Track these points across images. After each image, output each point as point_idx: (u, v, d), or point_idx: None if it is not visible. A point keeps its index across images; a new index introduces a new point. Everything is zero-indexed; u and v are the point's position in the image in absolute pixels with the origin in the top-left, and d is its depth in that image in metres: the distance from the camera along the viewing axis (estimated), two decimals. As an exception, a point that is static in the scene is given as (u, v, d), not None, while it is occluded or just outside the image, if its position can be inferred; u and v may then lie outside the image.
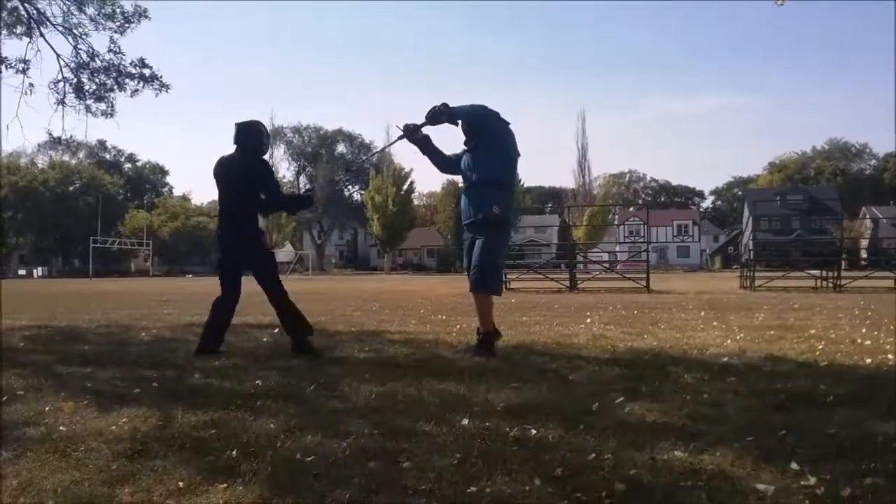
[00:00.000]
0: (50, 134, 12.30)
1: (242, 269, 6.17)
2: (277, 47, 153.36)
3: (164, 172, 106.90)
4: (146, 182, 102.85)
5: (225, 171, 5.99)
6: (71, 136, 12.55)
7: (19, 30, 11.56)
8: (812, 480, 2.44)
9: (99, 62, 11.91)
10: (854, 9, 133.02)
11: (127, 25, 11.87)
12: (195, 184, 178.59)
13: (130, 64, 11.98)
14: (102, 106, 12.07)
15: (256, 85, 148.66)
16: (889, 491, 2.36)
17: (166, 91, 12.27)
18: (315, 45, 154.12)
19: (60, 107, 11.88)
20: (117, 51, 11.95)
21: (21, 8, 11.53)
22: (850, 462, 2.63)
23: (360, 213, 79.09)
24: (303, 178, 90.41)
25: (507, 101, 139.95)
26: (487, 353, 5.53)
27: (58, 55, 11.82)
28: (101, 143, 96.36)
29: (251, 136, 6.02)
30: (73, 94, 11.97)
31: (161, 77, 12.20)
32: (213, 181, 6.04)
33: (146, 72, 12.10)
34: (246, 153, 5.98)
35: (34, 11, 11.55)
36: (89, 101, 12.02)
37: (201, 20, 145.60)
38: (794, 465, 2.60)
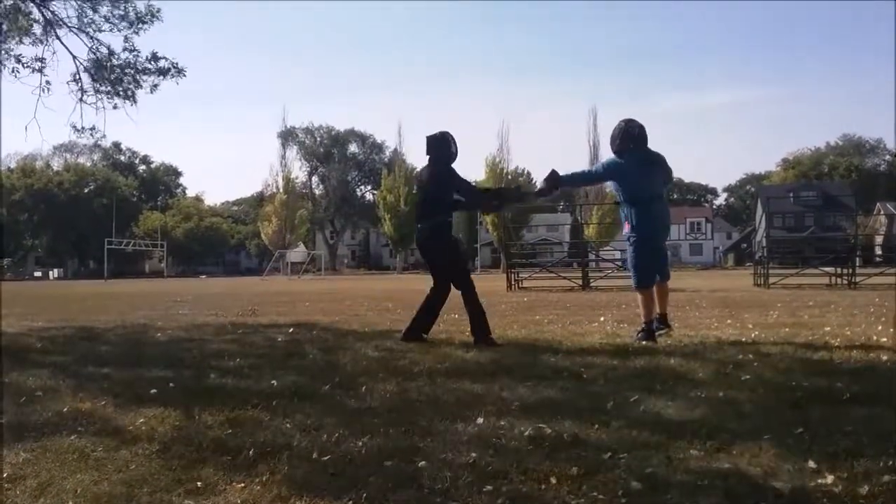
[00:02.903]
0: (74, 126, 12.28)
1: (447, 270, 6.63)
2: (289, 47, 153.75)
3: (177, 174, 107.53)
4: (160, 183, 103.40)
5: (417, 180, 6.71)
6: (94, 127, 12.48)
7: (33, 32, 11.62)
8: (829, 479, 2.43)
9: (115, 60, 11.97)
10: (868, 2, 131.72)
11: (141, 26, 11.93)
12: (208, 185, 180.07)
13: (145, 59, 12.03)
14: (119, 101, 12.09)
15: (268, 85, 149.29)
16: (907, 489, 2.35)
17: (183, 75, 12.27)
18: (326, 45, 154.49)
19: (79, 104, 11.94)
20: (132, 48, 12.00)
21: (36, 11, 11.61)
22: (868, 460, 2.62)
23: (371, 213, 79.16)
24: (315, 178, 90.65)
25: (520, 97, 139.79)
26: (649, 338, 6.17)
27: (74, 56, 11.89)
28: (116, 146, 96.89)
29: (438, 147, 6.48)
30: (91, 92, 12.01)
31: (176, 63, 12.23)
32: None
33: (161, 64, 12.13)
34: (435, 164, 6.46)
35: (50, 14, 11.63)
36: (106, 95, 12.04)
37: (213, 19, 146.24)
38: (811, 464, 2.59)
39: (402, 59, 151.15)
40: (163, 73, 12.13)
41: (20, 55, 11.61)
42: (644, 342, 6.06)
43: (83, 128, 12.15)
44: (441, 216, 6.51)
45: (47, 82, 11.65)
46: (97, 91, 12.05)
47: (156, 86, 12.22)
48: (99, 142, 12.99)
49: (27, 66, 11.57)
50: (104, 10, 11.81)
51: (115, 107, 12.12)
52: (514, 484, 2.49)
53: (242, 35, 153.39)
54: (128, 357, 5.94)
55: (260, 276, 55.49)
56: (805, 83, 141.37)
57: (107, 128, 12.77)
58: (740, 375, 4.38)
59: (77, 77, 11.98)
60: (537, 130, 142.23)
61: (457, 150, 6.56)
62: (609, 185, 6.94)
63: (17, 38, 11.62)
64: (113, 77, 11.97)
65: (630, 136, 6.44)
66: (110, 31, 11.92)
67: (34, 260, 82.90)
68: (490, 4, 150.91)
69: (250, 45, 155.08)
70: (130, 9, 11.84)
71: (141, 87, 12.16)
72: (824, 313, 9.01)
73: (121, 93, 12.05)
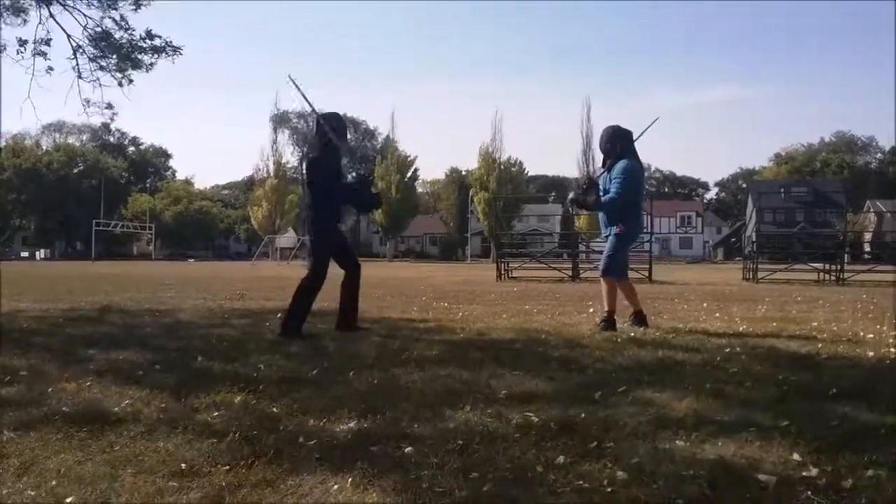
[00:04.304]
0: (87, 101, 12.07)
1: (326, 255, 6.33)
2: (282, 31, 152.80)
3: (167, 156, 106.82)
4: (149, 165, 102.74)
5: (305, 163, 6.26)
6: (109, 104, 12.32)
7: (28, 7, 11.45)
8: (814, 471, 2.44)
9: (113, 41, 11.81)
10: (865, 1, 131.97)
11: (141, 1, 11.76)
12: (198, 168, 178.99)
13: (140, 38, 11.86)
14: (120, 77, 11.94)
15: (261, 69, 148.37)
16: (891, 483, 2.36)
17: (179, 54, 12.07)
18: (320, 31, 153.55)
19: (77, 82, 11.77)
20: (127, 26, 11.83)
21: None
22: (853, 454, 2.63)
23: (362, 200, 78.78)
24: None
25: (513, 88, 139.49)
26: (608, 328, 6.29)
27: (68, 35, 11.73)
28: (105, 126, 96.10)
29: (317, 129, 6.20)
30: (88, 70, 11.84)
31: (171, 42, 12.06)
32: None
33: (157, 42, 11.96)
34: (325, 145, 6.11)
35: None
36: (111, 71, 11.89)
37: (206, 3, 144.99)
38: (795, 456, 2.60)
39: (396, 48, 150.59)
40: (158, 51, 11.98)
41: (23, 38, 11.44)
42: (606, 332, 6.17)
43: (99, 103, 12.00)
44: (330, 200, 6.13)
45: (50, 67, 11.50)
46: (101, 67, 11.88)
47: (152, 65, 12.07)
48: (112, 118, 12.82)
49: (30, 49, 11.40)
50: None
51: (119, 84, 11.97)
52: (500, 471, 2.49)
53: (236, 18, 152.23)
54: (114, 339, 5.91)
55: (249, 261, 55.29)
56: (800, 80, 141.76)
57: (105, 102, 12.52)
58: (727, 368, 4.40)
59: (76, 54, 11.83)
60: (529, 122, 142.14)
61: (344, 132, 6.32)
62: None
63: (14, 15, 11.45)
64: (115, 54, 11.82)
65: (624, 134, 6.53)
66: (108, 9, 11.75)
67: (21, 240, 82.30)
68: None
69: (244, 28, 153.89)
70: None
71: (140, 66, 11.99)
72: (812, 309, 9.06)
73: (122, 68, 11.90)
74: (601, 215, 6.69)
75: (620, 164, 6.39)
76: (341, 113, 6.63)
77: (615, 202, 6.40)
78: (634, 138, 6.59)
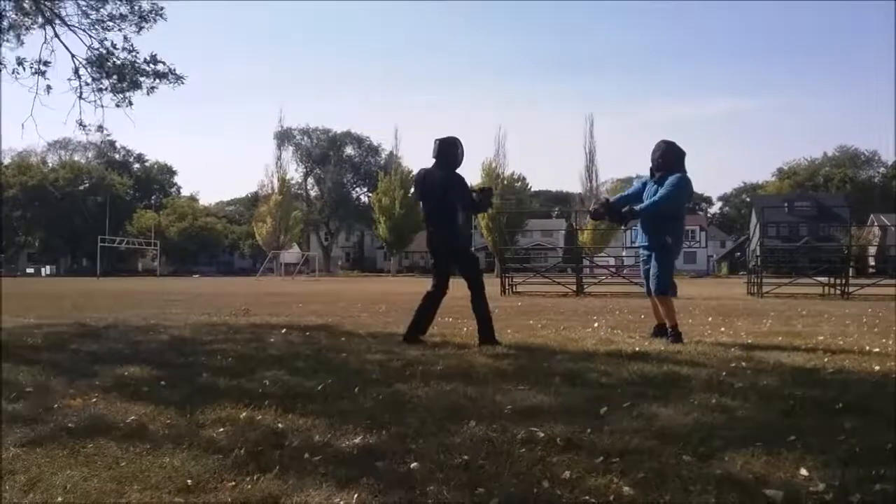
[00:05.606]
0: (79, 123, 12.14)
1: (450, 269, 6.78)
2: (286, 48, 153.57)
3: (172, 173, 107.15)
4: (154, 182, 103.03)
5: (423, 182, 6.66)
6: (101, 126, 12.39)
7: (34, 22, 11.54)
8: (821, 486, 2.43)
9: (114, 61, 11.89)
10: (865, 13, 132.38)
11: (143, 24, 11.87)
12: (203, 184, 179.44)
13: (143, 61, 11.96)
14: (119, 99, 12.03)
15: (266, 85, 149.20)
16: (899, 498, 2.35)
17: (181, 83, 12.19)
18: (323, 47, 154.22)
19: (79, 102, 11.85)
20: (131, 49, 11.93)
21: (35, 7, 11.54)
22: (860, 469, 2.62)
23: (367, 216, 79.09)
24: (310, 180, 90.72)
25: (516, 104, 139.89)
26: (677, 341, 6.43)
27: (73, 55, 11.83)
28: (111, 143, 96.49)
29: (448, 151, 6.56)
30: (90, 90, 11.92)
31: (174, 69, 12.17)
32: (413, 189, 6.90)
33: (160, 67, 12.06)
34: (444, 168, 6.55)
35: (49, 11, 11.56)
36: (111, 92, 11.98)
37: (211, 18, 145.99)
38: (802, 471, 2.59)
39: (399, 63, 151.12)
40: (160, 76, 12.07)
41: (22, 58, 11.51)
42: (676, 345, 6.30)
43: (90, 125, 12.09)
44: (453, 220, 6.59)
45: (48, 86, 11.58)
46: (98, 89, 11.97)
47: (153, 88, 12.16)
48: (106, 139, 13.03)
49: (30, 68, 11.46)
50: (107, 8, 11.75)
51: (117, 105, 12.07)
52: (506, 487, 2.48)
53: (240, 35, 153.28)
54: (119, 355, 5.92)
55: (254, 276, 55.34)
56: (802, 93, 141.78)
57: (107, 123, 12.63)
58: (733, 383, 4.38)
59: (77, 74, 11.92)
60: (534, 136, 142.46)
61: (463, 155, 6.64)
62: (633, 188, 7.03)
63: (16, 36, 11.55)
64: (114, 76, 11.91)
65: (679, 152, 6.62)
66: (110, 30, 11.86)
67: (26, 256, 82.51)
68: (488, 10, 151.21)
69: (248, 45, 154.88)
70: (136, 6, 11.77)
71: (140, 88, 12.08)
72: (817, 323, 9.03)
73: (121, 89, 11.98)
74: (639, 224, 6.75)
75: (675, 176, 6.47)
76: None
77: (658, 206, 6.43)
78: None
